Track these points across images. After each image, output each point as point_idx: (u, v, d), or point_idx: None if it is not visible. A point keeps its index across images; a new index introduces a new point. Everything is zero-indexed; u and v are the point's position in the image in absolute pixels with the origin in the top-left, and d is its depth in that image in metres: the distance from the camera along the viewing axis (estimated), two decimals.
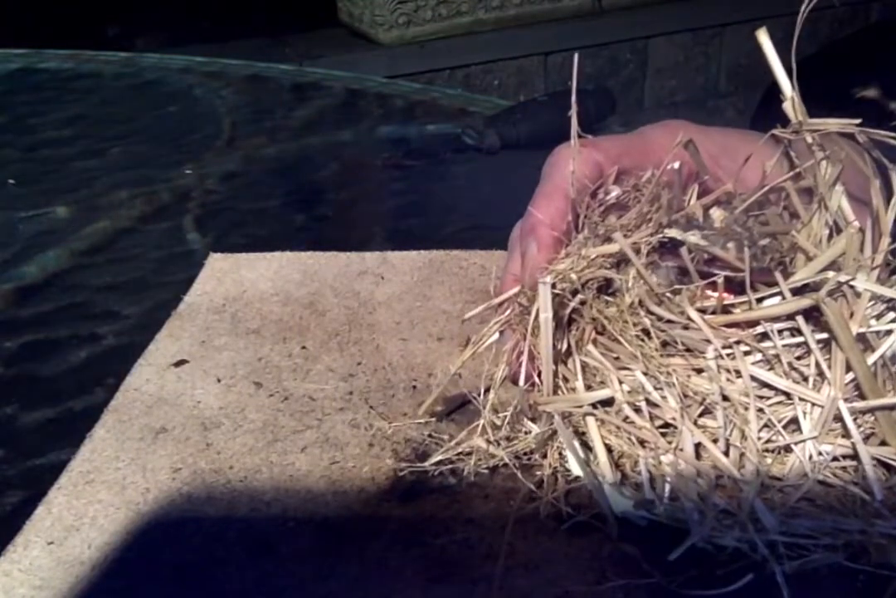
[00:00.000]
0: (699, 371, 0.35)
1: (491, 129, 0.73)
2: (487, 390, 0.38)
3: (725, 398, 0.34)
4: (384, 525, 0.35)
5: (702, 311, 0.35)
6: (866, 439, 0.33)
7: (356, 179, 0.72)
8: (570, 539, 0.34)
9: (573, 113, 0.37)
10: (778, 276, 0.35)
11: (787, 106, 0.37)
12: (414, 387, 0.42)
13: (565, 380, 0.36)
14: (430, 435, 0.39)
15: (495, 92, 2.01)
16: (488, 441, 0.37)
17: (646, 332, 0.35)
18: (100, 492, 0.36)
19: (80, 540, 0.34)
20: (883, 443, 0.33)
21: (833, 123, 0.36)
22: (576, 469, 0.35)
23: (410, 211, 0.64)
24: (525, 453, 0.36)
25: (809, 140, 0.37)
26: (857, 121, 0.36)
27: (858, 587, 0.31)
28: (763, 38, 0.38)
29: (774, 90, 0.38)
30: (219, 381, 0.43)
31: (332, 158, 0.73)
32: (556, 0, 2.05)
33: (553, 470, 0.36)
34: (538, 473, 0.36)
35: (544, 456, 0.36)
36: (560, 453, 0.36)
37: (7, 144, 0.77)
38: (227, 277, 0.52)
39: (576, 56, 0.37)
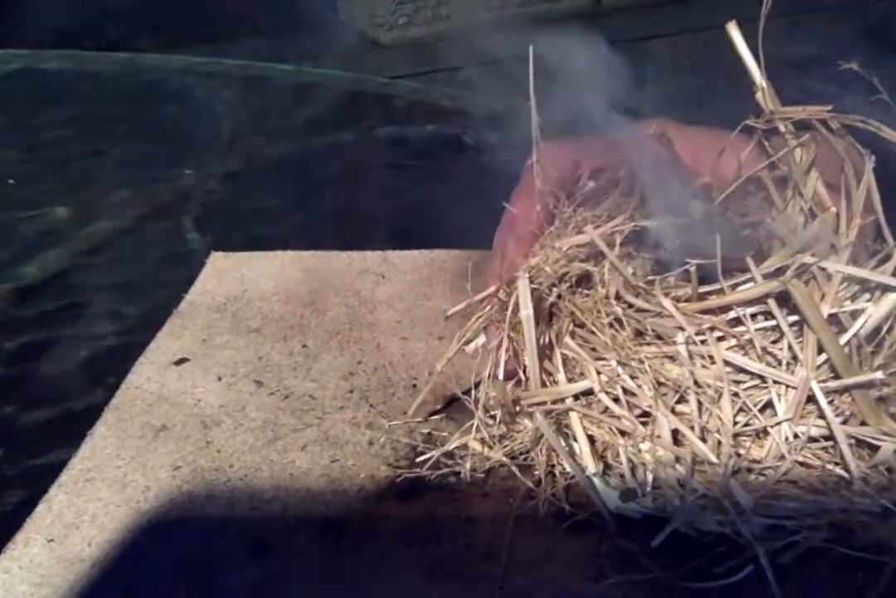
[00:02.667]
0: (674, 358, 0.35)
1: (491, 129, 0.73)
2: (478, 388, 0.38)
3: (698, 384, 0.34)
4: (383, 523, 0.35)
5: (677, 299, 0.36)
6: (846, 419, 0.33)
7: (356, 179, 0.72)
8: (568, 537, 0.34)
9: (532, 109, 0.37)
10: (750, 262, 0.35)
11: (758, 96, 0.38)
12: (414, 386, 0.42)
13: (548, 374, 0.36)
14: (429, 434, 0.39)
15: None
16: (483, 442, 0.37)
17: (619, 321, 0.36)
18: (100, 490, 0.37)
19: (81, 538, 0.34)
20: (863, 423, 0.33)
21: (804, 111, 0.36)
22: (569, 466, 0.35)
23: (410, 211, 0.64)
24: (522, 453, 0.36)
25: (782, 129, 0.37)
26: (829, 107, 0.36)
27: (858, 579, 0.31)
28: (733, 31, 0.39)
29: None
30: (219, 379, 0.43)
31: (332, 158, 0.73)
32: (556, 0, 2.05)
33: (550, 468, 0.36)
34: (536, 471, 0.36)
35: (539, 454, 0.36)
36: (555, 451, 0.36)
37: (7, 144, 0.77)
38: (228, 275, 0.52)
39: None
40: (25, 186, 0.69)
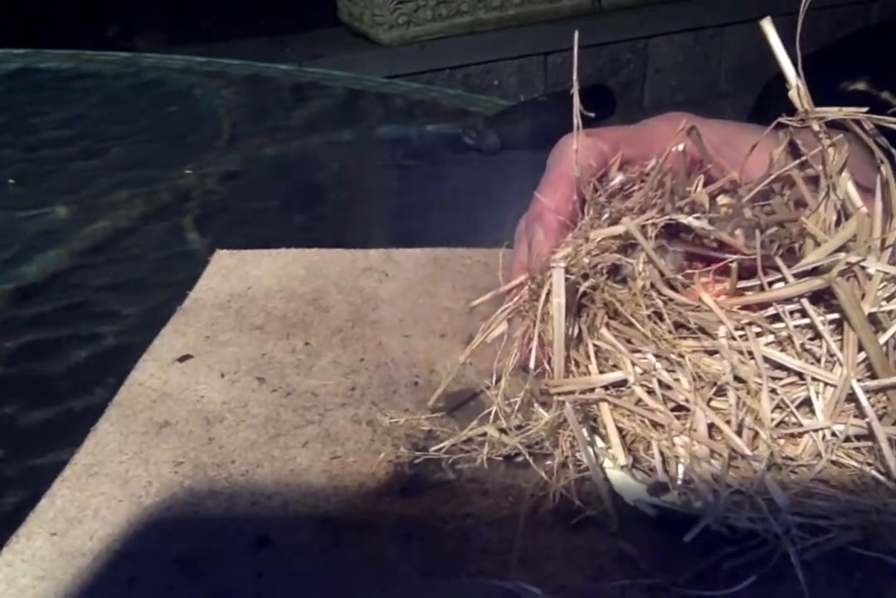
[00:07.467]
0: (712, 353, 0.34)
1: (491, 129, 0.73)
2: (498, 379, 0.38)
3: (738, 379, 0.34)
4: (384, 520, 0.35)
5: (715, 294, 0.36)
6: (879, 418, 0.32)
7: (356, 179, 0.72)
8: (568, 534, 0.34)
9: (574, 91, 0.37)
10: (779, 261, 0.35)
11: (792, 94, 0.37)
12: (416, 383, 0.43)
13: (577, 365, 0.36)
14: (430, 431, 0.39)
15: (495, 92, 2.01)
16: (500, 430, 0.36)
17: (658, 314, 0.35)
18: (103, 485, 0.37)
19: (83, 532, 0.34)
20: None
21: (839, 111, 0.36)
22: (586, 458, 0.35)
23: (410, 211, 0.64)
24: (536, 442, 0.36)
25: (816, 128, 0.37)
26: (864, 109, 0.36)
27: (859, 578, 0.31)
28: (768, 27, 0.38)
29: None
30: (222, 376, 0.43)
31: (332, 158, 0.74)
32: (556, 0, 2.06)
33: (564, 459, 0.35)
34: (549, 462, 0.36)
35: (556, 445, 0.36)
36: (572, 442, 0.35)
37: (7, 144, 0.78)
38: (232, 273, 0.53)
39: (576, 34, 0.37)
40: (25, 186, 0.69)
